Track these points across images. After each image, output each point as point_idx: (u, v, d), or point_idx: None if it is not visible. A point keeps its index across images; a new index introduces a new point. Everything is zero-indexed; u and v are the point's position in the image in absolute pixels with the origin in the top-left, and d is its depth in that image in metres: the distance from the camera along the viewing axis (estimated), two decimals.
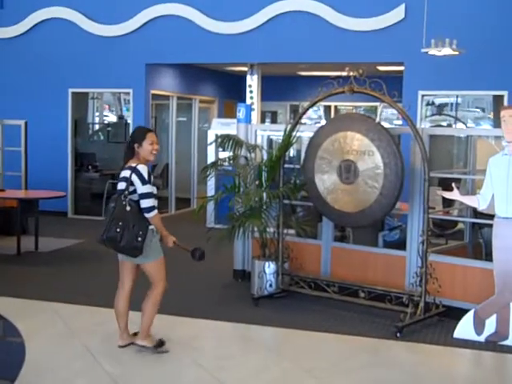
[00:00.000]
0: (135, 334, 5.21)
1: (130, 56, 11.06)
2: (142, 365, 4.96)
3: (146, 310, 5.13)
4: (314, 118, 15.44)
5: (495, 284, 5.46)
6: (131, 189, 4.85)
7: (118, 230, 4.77)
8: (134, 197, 4.87)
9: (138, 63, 11.04)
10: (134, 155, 4.92)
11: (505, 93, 9.08)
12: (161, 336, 5.24)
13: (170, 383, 4.66)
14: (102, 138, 13.67)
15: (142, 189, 4.83)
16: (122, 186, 4.86)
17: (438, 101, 11.52)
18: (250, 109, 7.61)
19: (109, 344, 5.31)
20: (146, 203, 4.85)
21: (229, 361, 5.07)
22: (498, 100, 9.70)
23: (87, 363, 4.91)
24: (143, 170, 4.83)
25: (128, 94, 11.53)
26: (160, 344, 5.12)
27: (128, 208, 4.80)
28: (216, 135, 7.47)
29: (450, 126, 11.29)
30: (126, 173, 4.87)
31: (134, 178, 4.81)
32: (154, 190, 4.95)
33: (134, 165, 4.87)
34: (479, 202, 5.63)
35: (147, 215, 4.86)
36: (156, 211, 4.93)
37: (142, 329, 5.12)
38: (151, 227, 4.92)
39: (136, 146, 4.90)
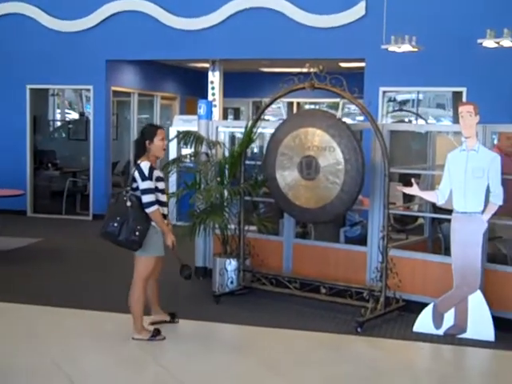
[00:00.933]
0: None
1: (90, 52, 10.90)
2: (101, 365, 4.90)
3: (130, 307, 5.29)
4: (278, 115, 15.45)
5: (453, 278, 5.52)
6: (135, 185, 5.07)
7: (116, 224, 4.98)
8: (138, 193, 5.07)
9: (98, 59, 10.89)
10: (145, 152, 5.14)
11: (463, 89, 9.18)
12: (123, 334, 5.18)
13: (129, 382, 4.59)
14: (63, 135, 13.48)
15: (141, 185, 5.03)
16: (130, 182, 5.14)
17: (399, 97, 11.62)
18: (211, 105, 7.57)
19: (67, 345, 5.23)
20: (145, 199, 5.03)
21: (190, 359, 5.03)
22: (457, 96, 9.81)
23: (45, 365, 4.82)
24: (145, 166, 5.05)
25: (89, 90, 11.37)
26: (156, 334, 5.25)
27: (128, 203, 5.00)
28: (177, 132, 7.41)
29: (411, 122, 11.40)
30: (133, 170, 5.17)
31: (136, 174, 5.05)
32: (159, 185, 5.13)
33: (139, 162, 5.11)
34: (438, 197, 5.69)
35: (147, 210, 5.03)
36: (155, 207, 5.05)
37: (134, 324, 5.26)
38: (153, 223, 5.07)
39: (148, 142, 5.14)
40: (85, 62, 10.94)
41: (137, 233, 4.98)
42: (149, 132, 5.22)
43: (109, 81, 11.16)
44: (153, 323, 5.49)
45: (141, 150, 5.18)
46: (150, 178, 5.03)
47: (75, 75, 11.07)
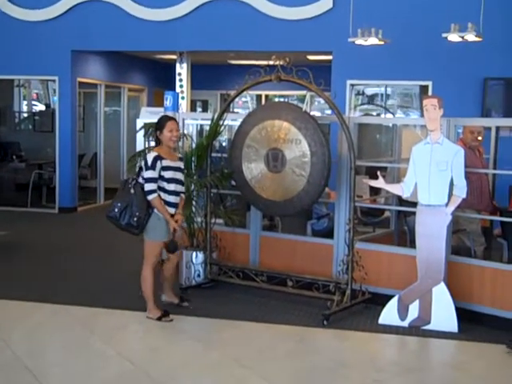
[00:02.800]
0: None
1: (55, 42, 10.72)
2: (64, 359, 4.84)
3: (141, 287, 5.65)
4: (247, 108, 15.43)
5: (418, 270, 5.57)
6: (142, 174, 5.49)
7: (116, 210, 5.41)
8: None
9: (63, 50, 10.72)
10: (159, 142, 5.55)
11: (429, 83, 9.26)
12: (87, 328, 5.12)
13: (93, 376, 4.54)
14: (28, 127, 13.29)
15: (144, 174, 5.43)
16: None
17: (368, 90, 11.69)
18: (177, 97, 7.51)
19: (29, 338, 5.17)
20: (146, 187, 5.42)
21: (155, 352, 5.00)
22: (423, 90, 9.89)
23: (6, 358, 4.75)
24: (149, 157, 5.44)
25: (54, 81, 11.20)
26: (163, 315, 5.55)
27: (132, 191, 5.42)
28: (144, 124, 7.34)
29: (379, 115, 11.47)
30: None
31: (142, 164, 5.50)
32: (165, 174, 5.43)
33: (146, 152, 5.60)
34: (403, 189, 5.73)
35: (147, 198, 5.39)
36: (154, 195, 5.40)
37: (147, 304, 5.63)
38: (155, 210, 5.44)
39: (158, 133, 5.54)
40: (50, 52, 10.76)
41: (135, 218, 5.39)
42: (159, 123, 5.59)
43: (74, 72, 11.01)
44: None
45: (156, 141, 5.61)
46: (152, 167, 5.38)
47: (40, 66, 10.89)
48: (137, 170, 5.70)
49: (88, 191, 12.27)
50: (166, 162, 5.47)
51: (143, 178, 5.45)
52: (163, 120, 5.62)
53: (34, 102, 13.93)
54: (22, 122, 13.54)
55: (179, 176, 5.63)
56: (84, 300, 6.12)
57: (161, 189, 5.49)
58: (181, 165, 5.71)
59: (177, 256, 5.87)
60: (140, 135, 9.33)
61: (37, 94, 13.97)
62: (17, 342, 5.10)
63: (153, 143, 7.09)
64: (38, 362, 4.72)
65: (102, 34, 10.59)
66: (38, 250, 8.33)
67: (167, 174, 5.49)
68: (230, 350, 5.05)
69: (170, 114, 6.79)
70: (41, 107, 13.59)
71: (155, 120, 7.73)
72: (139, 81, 13.82)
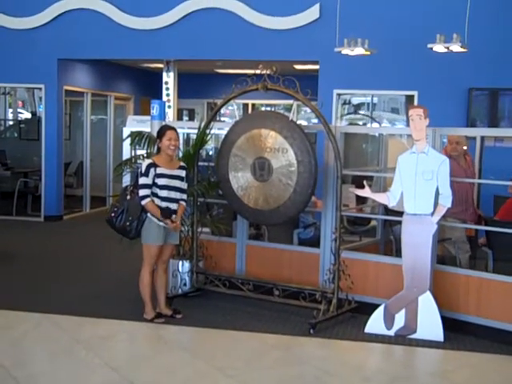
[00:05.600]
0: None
1: (41, 50, 10.69)
2: (50, 368, 4.81)
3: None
4: (234, 117, 15.43)
5: (404, 279, 5.59)
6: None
7: (113, 214, 5.68)
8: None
9: (49, 58, 10.69)
10: (159, 151, 5.78)
11: (415, 93, 9.32)
12: (72, 337, 5.09)
13: None
14: (14, 134, 13.22)
15: (139, 180, 5.66)
16: None
17: (354, 100, 11.74)
18: (164, 105, 7.50)
19: (15, 348, 5.13)
20: (139, 193, 5.65)
21: (141, 361, 4.98)
22: (409, 100, 9.95)
23: None
24: (144, 164, 5.71)
25: (40, 89, 11.16)
26: (156, 316, 5.79)
27: (128, 197, 5.69)
28: (131, 132, 7.32)
29: (365, 125, 11.52)
30: None
31: (139, 171, 5.73)
32: (159, 181, 5.64)
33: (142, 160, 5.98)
34: (389, 199, 5.75)
35: (141, 203, 5.62)
36: (146, 200, 5.61)
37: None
38: (149, 215, 5.66)
39: (158, 141, 5.78)
40: (36, 60, 10.73)
41: (127, 223, 5.64)
42: (159, 132, 5.84)
43: (61, 80, 10.98)
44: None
45: (157, 149, 5.83)
46: (145, 174, 5.62)
47: (26, 74, 10.86)
48: (134, 176, 6.02)
49: (74, 199, 12.22)
50: (160, 170, 5.68)
51: (138, 185, 5.67)
52: (163, 129, 5.87)
53: (19, 110, 13.86)
54: (7, 129, 13.47)
55: (177, 184, 5.79)
56: (70, 309, 6.09)
57: (154, 195, 5.69)
58: (180, 173, 5.85)
59: (164, 262, 5.93)
60: (126, 144, 9.33)
61: (23, 101, 13.90)
62: (2, 351, 5.06)
63: (139, 151, 7.14)
64: (23, 371, 4.68)
65: (89, 42, 10.57)
66: (24, 258, 8.27)
67: (160, 181, 5.68)
68: (216, 359, 5.04)
69: (168, 123, 6.83)
70: (27, 115, 13.53)
71: (142, 128, 7.79)
72: (126, 89, 13.80)
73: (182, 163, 6.01)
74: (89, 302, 6.42)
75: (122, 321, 5.84)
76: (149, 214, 5.67)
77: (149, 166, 5.66)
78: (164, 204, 5.71)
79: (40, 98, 11.81)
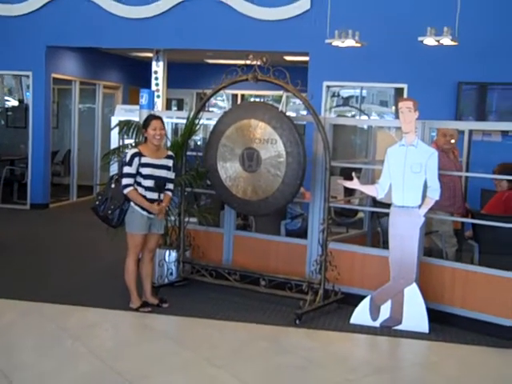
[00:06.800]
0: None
1: (29, 37, 10.60)
2: (35, 358, 4.78)
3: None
4: (222, 107, 15.40)
5: (390, 271, 5.61)
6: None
7: (97, 202, 5.72)
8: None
9: (37, 45, 10.61)
10: (146, 140, 5.77)
11: (405, 86, 9.33)
12: (58, 325, 5.05)
13: (63, 374, 4.49)
14: (1, 122, 13.12)
15: (123, 169, 5.65)
16: None
17: (343, 92, 11.73)
18: (153, 95, 7.47)
19: (0, 337, 5.12)
20: (122, 182, 5.65)
21: (127, 350, 4.98)
22: (399, 93, 9.96)
23: None
24: (129, 153, 5.69)
25: (28, 77, 11.07)
26: (142, 305, 5.79)
27: (112, 185, 5.71)
28: (119, 121, 7.28)
29: (354, 117, 11.52)
30: None
31: (123, 160, 5.74)
32: (143, 170, 5.62)
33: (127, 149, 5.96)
34: (378, 191, 5.76)
35: (124, 192, 5.61)
36: (129, 188, 5.61)
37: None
38: (132, 204, 5.66)
39: (143, 131, 5.78)
40: (24, 47, 10.64)
41: (109, 211, 5.66)
42: (145, 121, 5.83)
43: (49, 67, 10.90)
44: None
45: (143, 138, 5.86)
46: (129, 163, 5.61)
47: (13, 61, 10.77)
48: (119, 166, 5.99)
49: (61, 188, 12.16)
50: (145, 159, 5.66)
51: (121, 174, 5.67)
52: (149, 118, 5.84)
53: (6, 98, 13.75)
54: None
55: (163, 173, 5.77)
56: (56, 298, 6.06)
57: (138, 184, 5.67)
58: (167, 162, 5.83)
59: (150, 251, 5.93)
60: (114, 133, 9.28)
61: (10, 89, 13.79)
62: None
63: (127, 141, 7.10)
64: (8, 360, 4.66)
65: (78, 30, 10.49)
66: (9, 246, 8.22)
67: (145, 171, 5.66)
68: (203, 348, 5.04)
69: (157, 113, 6.80)
70: (14, 103, 13.42)
71: (130, 118, 7.74)
72: (115, 78, 13.72)
73: (169, 152, 5.99)
74: (75, 290, 6.40)
75: (107, 310, 5.82)
76: (132, 203, 5.67)
77: (133, 156, 5.65)
78: (148, 194, 5.69)
79: (27, 86, 11.72)
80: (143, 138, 5.87)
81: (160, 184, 5.74)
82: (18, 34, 10.64)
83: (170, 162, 5.85)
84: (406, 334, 5.47)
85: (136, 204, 5.67)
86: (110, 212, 5.67)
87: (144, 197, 5.67)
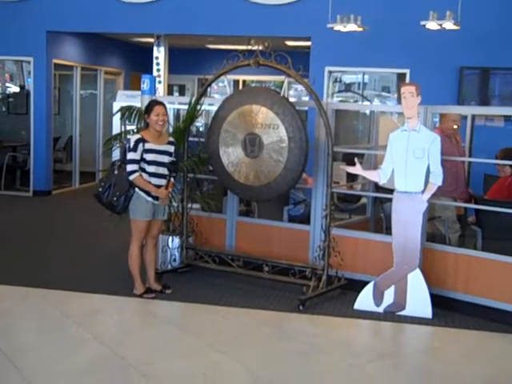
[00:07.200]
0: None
1: (30, 22, 10.55)
2: (39, 340, 4.80)
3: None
4: (224, 94, 15.35)
5: (394, 257, 5.61)
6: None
7: (100, 189, 5.67)
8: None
9: (38, 30, 10.56)
10: (148, 126, 5.72)
11: (407, 71, 9.29)
12: (62, 311, 5.07)
13: (68, 360, 4.50)
14: (2, 108, 13.09)
15: (127, 155, 5.60)
16: None
17: (345, 78, 11.68)
18: (154, 80, 7.43)
19: (2, 321, 5.12)
20: (127, 168, 5.60)
21: (130, 336, 5.00)
22: (401, 78, 9.92)
23: None
24: (132, 139, 5.64)
25: (29, 62, 11.03)
26: (146, 292, 5.80)
27: (116, 172, 5.65)
28: (121, 107, 7.26)
29: (356, 103, 11.47)
30: None
31: (126, 146, 5.67)
32: (147, 156, 5.59)
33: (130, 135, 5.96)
34: (380, 176, 5.75)
35: (129, 178, 5.58)
36: (135, 175, 5.58)
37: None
38: (137, 190, 5.64)
39: (146, 116, 5.73)
40: (24, 32, 10.59)
41: (114, 198, 5.62)
42: (147, 107, 5.78)
43: (50, 53, 10.85)
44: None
45: (144, 124, 5.82)
46: (134, 149, 5.57)
47: (14, 46, 10.73)
48: (122, 152, 5.87)
49: (63, 175, 12.16)
50: (149, 145, 5.64)
51: (126, 160, 5.62)
52: (151, 104, 5.80)
53: (7, 84, 13.71)
54: None
55: (165, 159, 5.75)
56: (59, 283, 6.08)
57: (143, 170, 5.65)
58: (169, 148, 5.80)
59: (154, 237, 5.93)
60: (116, 119, 9.24)
61: (11, 75, 13.74)
62: None
63: (129, 127, 7.09)
64: (11, 344, 4.67)
65: (79, 15, 10.44)
66: (12, 233, 8.24)
67: (149, 157, 5.64)
68: (206, 334, 5.05)
69: (158, 98, 6.77)
70: (15, 89, 13.38)
71: (132, 103, 7.72)
72: (116, 64, 13.66)
73: (170, 138, 5.97)
74: (78, 276, 6.41)
75: (111, 296, 5.83)
76: (137, 189, 5.65)
77: (137, 142, 5.61)
78: (153, 180, 5.68)
79: (28, 72, 11.68)
80: (145, 124, 5.84)
81: (170, 166, 5.75)
82: (18, 19, 10.59)
83: (171, 148, 5.83)
84: (409, 320, 5.48)
85: (141, 190, 5.65)
86: (115, 199, 5.63)
87: (149, 183, 5.67)
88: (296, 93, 14.92)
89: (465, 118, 7.38)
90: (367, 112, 8.46)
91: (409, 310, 5.55)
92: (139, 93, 7.63)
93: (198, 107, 6.62)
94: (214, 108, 6.72)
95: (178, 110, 8.20)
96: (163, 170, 5.75)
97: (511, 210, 5.56)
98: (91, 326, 5.13)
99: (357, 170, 5.91)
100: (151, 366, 4.45)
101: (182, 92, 15.66)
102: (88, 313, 5.46)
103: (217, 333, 5.11)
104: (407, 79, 9.24)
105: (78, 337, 4.91)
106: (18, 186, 11.42)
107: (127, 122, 7.00)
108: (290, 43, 11.75)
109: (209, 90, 6.94)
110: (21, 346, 4.74)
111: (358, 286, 5.85)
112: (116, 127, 10.20)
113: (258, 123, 6.01)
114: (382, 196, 6.49)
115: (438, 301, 5.56)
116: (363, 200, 7.68)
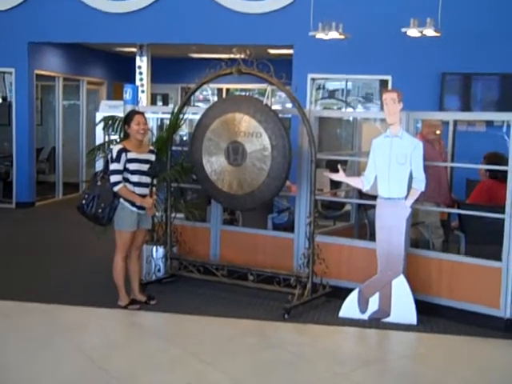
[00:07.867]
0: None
1: (11, 33, 10.48)
2: (24, 355, 4.74)
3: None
4: (208, 101, 15.33)
5: (378, 263, 5.61)
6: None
7: (84, 201, 5.61)
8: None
9: (20, 41, 10.50)
10: (128, 136, 5.69)
11: (389, 77, 9.33)
12: (45, 324, 5.01)
13: (51, 373, 4.46)
14: None
15: (110, 166, 5.58)
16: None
17: (329, 85, 11.71)
18: (137, 90, 7.41)
19: None
20: (111, 179, 5.56)
21: (114, 348, 4.95)
22: (383, 84, 9.96)
23: None
24: (115, 150, 5.60)
25: (10, 73, 10.96)
26: (130, 303, 5.76)
27: (99, 183, 5.60)
28: (104, 117, 7.23)
29: (339, 109, 11.50)
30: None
31: (109, 157, 5.64)
32: (130, 166, 5.55)
33: (112, 146, 5.81)
34: (363, 183, 5.76)
35: (114, 189, 5.53)
36: (119, 186, 5.53)
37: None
38: (122, 201, 5.59)
39: (126, 127, 5.70)
40: (6, 43, 10.53)
41: (99, 210, 5.57)
42: (127, 117, 5.78)
43: (32, 64, 10.80)
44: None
45: (124, 134, 5.79)
46: (117, 160, 5.53)
47: None
48: (105, 162, 5.82)
49: (46, 186, 12.06)
50: (131, 155, 5.61)
51: (109, 171, 5.58)
52: (131, 114, 5.80)
53: None
54: None
55: (147, 168, 5.72)
56: (43, 297, 6.02)
57: (126, 180, 5.62)
58: (150, 157, 5.79)
59: (137, 248, 5.89)
60: (99, 129, 9.19)
61: None
62: None
63: (113, 137, 7.05)
64: None
65: (61, 25, 10.39)
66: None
67: (132, 166, 5.61)
68: (190, 345, 5.01)
69: (136, 108, 6.76)
70: None
71: (115, 113, 7.69)
72: (98, 74, 13.63)
73: (151, 147, 5.96)
74: (62, 289, 6.35)
75: (95, 308, 5.79)
76: (121, 200, 5.61)
77: (120, 152, 5.58)
78: (136, 189, 5.65)
79: (10, 83, 11.60)
80: (124, 134, 5.80)
81: (150, 171, 5.72)
82: (0, 30, 10.52)
83: (152, 157, 5.81)
84: (394, 326, 5.47)
85: (126, 200, 5.61)
86: (100, 210, 5.58)
87: (133, 192, 5.64)
88: (280, 99, 14.94)
89: (447, 123, 7.43)
90: (350, 118, 8.47)
91: (394, 317, 5.55)
92: (122, 103, 7.60)
93: (181, 116, 6.60)
94: (198, 117, 6.71)
95: (162, 119, 8.18)
96: (146, 179, 5.73)
97: (492, 214, 5.58)
98: (75, 338, 5.08)
99: (340, 176, 5.92)
100: (136, 379, 4.41)
101: (165, 101, 15.63)
102: (72, 325, 5.40)
103: (202, 343, 5.08)
104: (389, 86, 9.28)
105: (61, 350, 4.86)
106: (1, 198, 11.32)
107: (110, 131, 6.96)
108: (272, 51, 11.77)
109: (192, 98, 6.92)
110: (3, 361, 4.67)
111: (342, 293, 5.84)
112: (99, 137, 10.15)
113: (241, 131, 6.01)
114: (366, 203, 6.50)
115: (422, 307, 5.56)
116: (347, 207, 7.69)
